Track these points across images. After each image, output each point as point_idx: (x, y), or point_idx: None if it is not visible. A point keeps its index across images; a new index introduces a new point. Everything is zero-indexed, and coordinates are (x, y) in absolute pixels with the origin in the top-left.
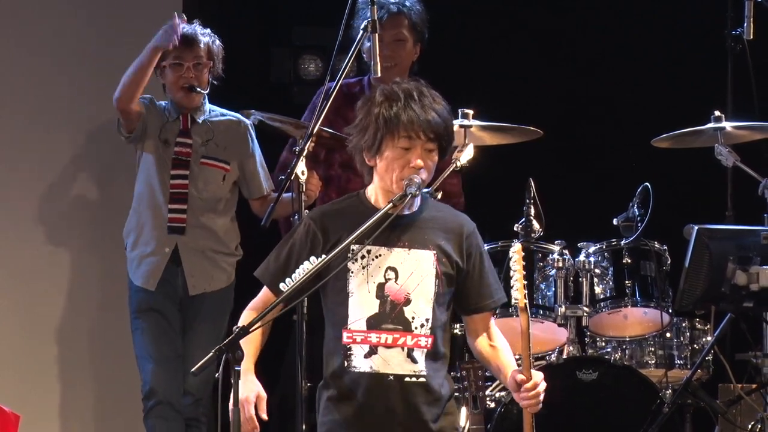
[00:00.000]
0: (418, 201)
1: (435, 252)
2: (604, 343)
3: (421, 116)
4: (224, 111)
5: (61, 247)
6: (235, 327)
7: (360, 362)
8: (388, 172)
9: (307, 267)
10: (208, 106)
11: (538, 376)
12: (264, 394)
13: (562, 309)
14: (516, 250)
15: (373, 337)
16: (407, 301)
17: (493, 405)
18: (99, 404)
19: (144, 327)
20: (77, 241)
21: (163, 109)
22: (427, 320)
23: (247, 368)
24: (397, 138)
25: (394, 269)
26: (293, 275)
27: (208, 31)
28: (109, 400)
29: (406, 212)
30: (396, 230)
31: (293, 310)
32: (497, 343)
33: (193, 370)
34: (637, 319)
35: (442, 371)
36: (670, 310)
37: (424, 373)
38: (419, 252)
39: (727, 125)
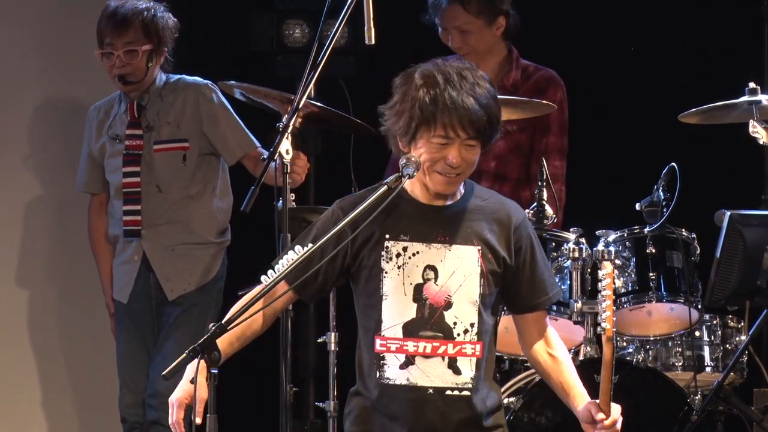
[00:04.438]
0: (461, 189)
1: (480, 248)
2: (625, 343)
3: (460, 109)
4: (182, 77)
5: (31, 247)
6: (211, 325)
7: (395, 373)
8: (423, 166)
9: (293, 257)
10: (162, 79)
11: (616, 411)
12: (203, 395)
13: (579, 305)
14: (607, 273)
15: (410, 346)
16: (448, 305)
17: None
18: (73, 405)
19: (119, 346)
20: (48, 240)
21: (114, 100)
22: (472, 325)
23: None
24: (433, 131)
25: (433, 268)
26: (279, 263)
27: (151, 5)
28: (84, 402)
29: (449, 202)
30: (436, 224)
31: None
32: (558, 353)
33: (164, 373)
34: (662, 316)
35: (488, 380)
36: (700, 306)
37: (470, 385)
38: (462, 248)
39: (764, 98)
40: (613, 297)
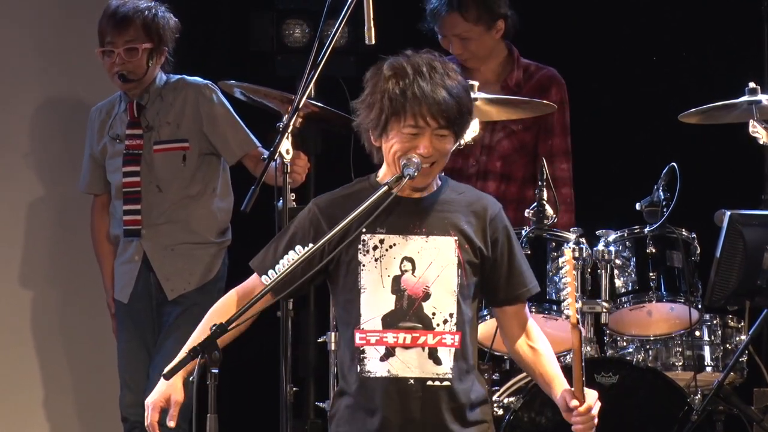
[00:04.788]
0: (437, 182)
1: (456, 238)
2: (625, 343)
3: (429, 98)
4: (182, 77)
5: (32, 247)
6: (212, 325)
7: (375, 366)
8: (394, 157)
9: (293, 257)
10: (162, 79)
11: (591, 398)
12: (179, 398)
13: (579, 305)
14: (567, 259)
15: (390, 338)
16: (426, 296)
17: (501, 412)
18: (73, 405)
19: (119, 345)
20: (49, 241)
21: (114, 100)
22: (451, 315)
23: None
24: (403, 122)
25: (410, 259)
26: (278, 266)
27: (152, 4)
28: (85, 402)
29: (424, 194)
30: (412, 216)
31: (277, 306)
32: (538, 345)
33: (164, 373)
34: (662, 316)
35: (472, 373)
36: (700, 306)
37: (450, 375)
38: (439, 239)
39: (764, 98)
40: (575, 284)
